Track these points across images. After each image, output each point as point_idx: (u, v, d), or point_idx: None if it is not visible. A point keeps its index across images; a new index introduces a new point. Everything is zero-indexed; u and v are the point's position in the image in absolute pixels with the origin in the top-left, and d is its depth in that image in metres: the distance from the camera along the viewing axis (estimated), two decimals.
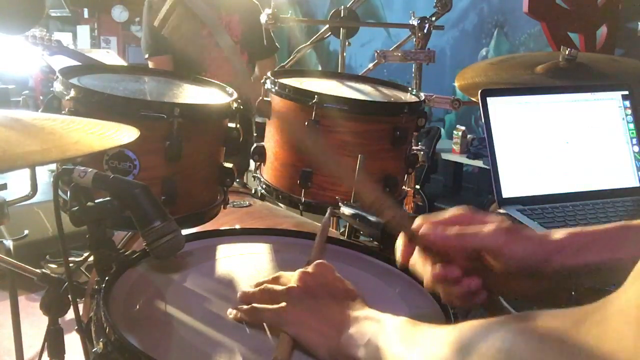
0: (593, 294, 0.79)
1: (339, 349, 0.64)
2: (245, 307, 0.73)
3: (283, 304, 0.69)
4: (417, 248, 0.70)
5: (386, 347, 0.59)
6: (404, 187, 1.35)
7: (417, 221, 0.69)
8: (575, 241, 0.65)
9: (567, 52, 1.50)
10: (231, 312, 0.75)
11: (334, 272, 0.74)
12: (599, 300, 0.41)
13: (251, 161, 1.34)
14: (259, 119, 1.35)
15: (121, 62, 3.56)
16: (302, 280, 0.71)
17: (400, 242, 0.71)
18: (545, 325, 0.43)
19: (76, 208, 0.80)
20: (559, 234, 0.66)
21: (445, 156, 4.14)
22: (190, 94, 1.21)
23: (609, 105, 1.28)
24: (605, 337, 0.38)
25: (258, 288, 0.75)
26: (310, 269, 0.73)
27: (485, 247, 0.64)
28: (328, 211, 1.10)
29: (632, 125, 1.27)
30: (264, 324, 0.71)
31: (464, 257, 0.67)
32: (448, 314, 0.79)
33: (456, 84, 1.59)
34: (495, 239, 0.64)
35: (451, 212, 0.69)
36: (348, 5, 1.99)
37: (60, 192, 0.98)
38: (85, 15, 6.93)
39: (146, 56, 2.45)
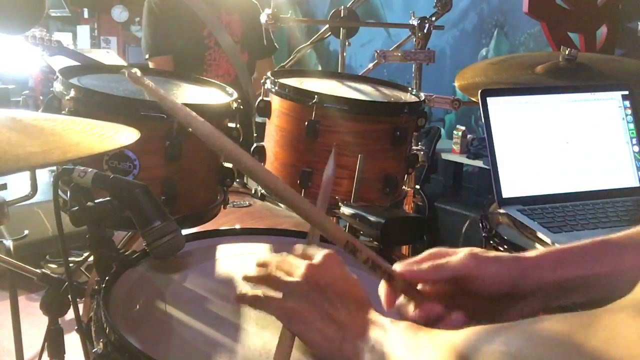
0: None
1: (341, 352, 0.63)
2: (250, 293, 0.71)
3: (288, 298, 0.67)
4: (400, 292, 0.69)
5: (391, 353, 0.58)
6: (404, 187, 1.35)
7: (395, 266, 0.68)
8: (551, 257, 0.65)
9: (567, 52, 1.50)
10: (239, 291, 0.72)
11: (343, 266, 0.70)
12: (605, 305, 0.40)
13: None
14: (259, 119, 1.35)
15: (121, 62, 3.56)
16: (308, 276, 0.68)
17: (382, 288, 0.69)
18: (552, 329, 0.43)
19: (76, 208, 0.80)
20: (534, 252, 0.66)
21: (445, 156, 4.14)
22: (190, 94, 1.21)
23: (609, 105, 1.28)
24: (613, 342, 0.38)
25: (263, 272, 0.72)
26: (318, 261, 0.69)
27: (458, 273, 0.64)
28: (332, 152, 1.03)
29: (632, 125, 1.27)
30: (262, 324, 0.71)
31: (444, 292, 0.66)
32: None
33: (456, 84, 1.59)
34: (466, 264, 0.64)
35: (424, 253, 0.69)
36: (348, 5, 1.99)
37: (60, 192, 0.98)
38: (85, 15, 6.93)
39: (147, 56, 2.45)
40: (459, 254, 0.65)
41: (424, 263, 0.66)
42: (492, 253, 0.66)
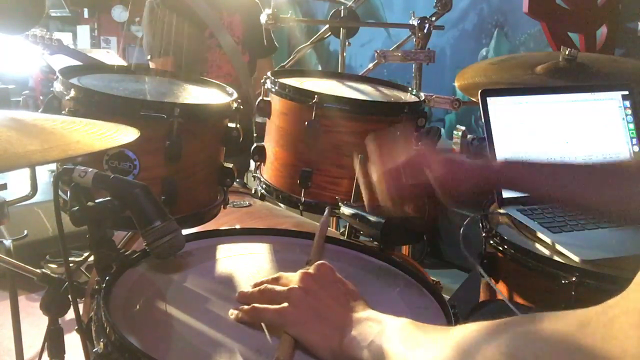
0: (593, 294, 0.80)
1: (341, 351, 0.64)
2: (246, 307, 0.73)
3: (285, 304, 0.69)
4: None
5: (389, 349, 0.59)
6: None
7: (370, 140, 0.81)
8: (510, 172, 0.74)
9: (567, 52, 1.50)
10: (232, 313, 0.74)
11: (335, 273, 0.74)
12: (602, 303, 0.41)
13: (251, 161, 1.34)
14: (259, 119, 1.35)
15: (121, 62, 3.56)
16: (303, 281, 0.71)
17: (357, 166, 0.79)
18: (550, 328, 0.43)
19: (76, 208, 0.80)
20: (496, 164, 0.77)
21: None
22: (190, 94, 1.21)
23: (609, 105, 1.28)
24: (610, 340, 0.38)
25: (258, 288, 0.75)
26: (311, 269, 0.73)
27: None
28: (326, 210, 1.10)
29: (632, 125, 1.27)
30: (265, 324, 0.71)
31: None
32: (449, 314, 0.79)
33: (456, 84, 1.59)
34: (442, 180, 0.74)
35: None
36: (348, 5, 1.99)
37: (60, 192, 0.98)
38: (85, 15, 6.93)
39: (148, 57, 2.46)
40: (436, 163, 0.75)
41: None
42: (465, 162, 0.77)
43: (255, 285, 0.77)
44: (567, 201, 0.73)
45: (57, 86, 1.03)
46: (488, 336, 0.48)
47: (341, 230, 1.33)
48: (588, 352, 0.39)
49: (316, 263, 0.74)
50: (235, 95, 1.16)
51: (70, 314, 0.88)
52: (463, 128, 4.49)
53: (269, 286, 0.74)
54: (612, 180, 0.72)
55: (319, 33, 2.10)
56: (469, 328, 0.51)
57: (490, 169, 0.74)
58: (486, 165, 0.75)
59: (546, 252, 1.05)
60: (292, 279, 0.73)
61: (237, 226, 1.18)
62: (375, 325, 0.63)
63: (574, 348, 0.40)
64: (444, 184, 0.73)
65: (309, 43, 2.14)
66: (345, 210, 1.13)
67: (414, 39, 1.98)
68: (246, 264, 0.94)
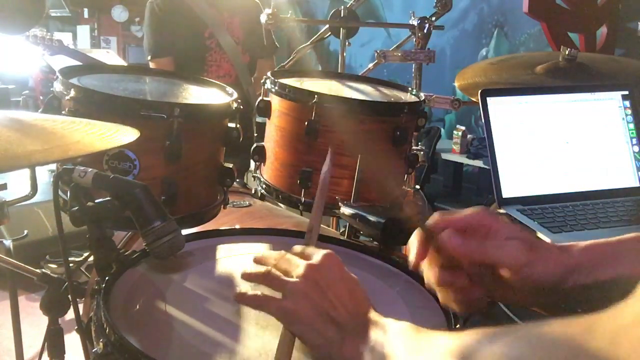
0: (593, 295, 0.78)
1: (341, 353, 0.63)
2: (250, 293, 0.70)
3: (288, 299, 0.67)
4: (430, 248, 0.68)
5: (392, 354, 0.58)
6: (404, 187, 1.35)
7: (434, 218, 0.68)
8: (591, 257, 0.64)
9: (567, 52, 1.50)
10: (238, 290, 0.72)
11: (342, 266, 0.70)
12: (610, 308, 0.40)
13: (251, 161, 1.34)
14: (259, 119, 1.35)
15: (121, 62, 3.56)
16: (307, 277, 0.67)
17: (415, 240, 0.69)
18: (553, 333, 0.43)
19: (76, 208, 0.80)
20: (576, 249, 0.65)
21: (445, 156, 4.14)
22: (190, 94, 1.21)
23: (609, 105, 1.28)
24: (618, 345, 0.37)
25: (263, 270, 0.72)
26: (317, 261, 0.69)
27: (507, 263, 0.63)
28: (328, 156, 1.03)
29: (632, 125, 1.27)
30: (263, 324, 0.71)
31: (475, 266, 0.66)
32: (448, 314, 0.79)
33: (456, 84, 1.59)
34: (517, 257, 0.63)
35: (469, 212, 0.68)
36: (348, 5, 1.99)
37: (60, 192, 0.98)
38: (85, 15, 6.93)
39: (148, 57, 2.46)
40: (512, 243, 0.64)
41: (469, 238, 0.65)
42: (542, 245, 0.65)
43: (257, 261, 0.74)
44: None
45: (57, 86, 1.04)
46: (491, 341, 0.47)
47: (341, 230, 1.33)
48: (591, 357, 0.38)
49: (324, 254, 0.70)
50: (235, 95, 1.16)
51: (70, 314, 0.88)
52: (463, 128, 4.50)
53: (274, 272, 0.70)
54: None
55: (319, 33, 2.10)
56: (471, 333, 0.50)
57: (569, 253, 0.64)
58: (565, 250, 0.65)
59: None
60: (297, 269, 0.69)
61: (237, 226, 1.18)
62: (377, 329, 0.62)
63: (579, 353, 0.39)
64: (514, 276, 0.63)
65: (309, 43, 2.14)
66: (345, 210, 1.13)
67: (414, 39, 1.98)
68: (246, 264, 0.94)
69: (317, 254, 0.70)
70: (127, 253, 0.88)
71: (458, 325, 0.77)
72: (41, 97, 5.81)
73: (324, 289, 0.67)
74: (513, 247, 0.63)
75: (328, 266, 0.69)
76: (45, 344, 0.95)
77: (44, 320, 0.94)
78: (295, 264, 0.70)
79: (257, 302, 0.70)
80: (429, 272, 0.67)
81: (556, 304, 0.66)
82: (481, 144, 3.89)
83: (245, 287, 0.81)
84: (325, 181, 0.93)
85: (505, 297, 0.66)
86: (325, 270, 0.68)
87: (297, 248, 0.75)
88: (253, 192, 1.49)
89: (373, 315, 0.66)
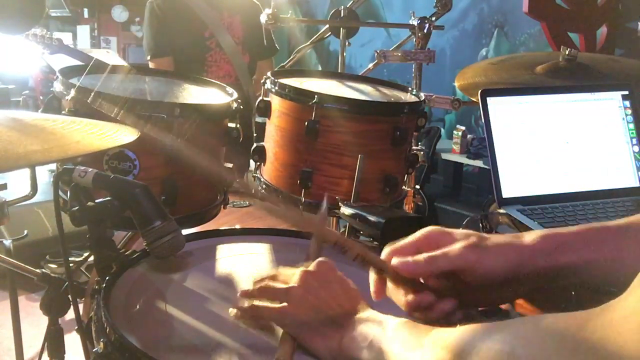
0: (593, 294, 0.79)
1: (340, 351, 0.64)
2: (246, 305, 0.72)
3: (284, 303, 0.68)
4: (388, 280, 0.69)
5: (389, 349, 0.59)
6: (404, 187, 1.35)
7: (385, 252, 0.68)
8: (549, 242, 0.64)
9: (567, 52, 1.50)
10: (232, 311, 0.74)
11: (335, 271, 0.73)
12: (602, 305, 0.40)
13: (251, 161, 1.34)
14: (259, 119, 1.35)
15: (121, 62, 3.56)
16: (303, 280, 0.70)
17: (371, 277, 0.70)
18: (547, 328, 0.43)
19: (76, 208, 0.80)
20: (530, 237, 0.65)
21: (445, 156, 4.14)
22: (190, 94, 1.21)
23: (609, 105, 1.28)
24: (609, 340, 0.38)
25: (258, 286, 0.74)
26: (312, 267, 0.72)
27: (457, 267, 0.64)
28: (324, 204, 1.06)
29: (632, 125, 1.27)
30: (264, 324, 0.71)
31: (436, 279, 0.66)
32: None
33: (456, 84, 1.59)
34: (465, 258, 0.63)
35: (417, 235, 0.68)
36: (348, 5, 1.99)
37: (60, 192, 0.98)
38: (85, 15, 6.93)
39: (148, 57, 2.46)
40: (455, 246, 0.65)
41: (419, 251, 0.66)
42: (490, 241, 0.65)
43: (256, 282, 0.76)
44: (614, 268, 0.62)
45: (57, 86, 1.04)
46: (487, 336, 0.48)
47: (341, 230, 1.33)
48: (586, 352, 0.39)
49: (317, 260, 0.73)
50: (235, 95, 1.16)
51: (70, 314, 0.88)
52: (463, 128, 4.50)
53: (270, 284, 0.73)
54: None
55: (319, 33, 2.10)
56: (468, 328, 0.51)
57: (523, 247, 0.64)
58: (516, 244, 0.64)
59: None
60: (293, 277, 0.72)
61: (237, 226, 1.18)
62: (374, 325, 0.63)
63: (573, 348, 0.40)
64: (471, 276, 0.63)
65: (309, 43, 2.14)
66: (345, 210, 1.13)
67: (414, 39, 1.98)
68: (246, 264, 0.94)
69: (312, 264, 0.73)
70: (127, 253, 0.88)
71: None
72: (41, 97, 5.81)
73: (319, 291, 0.69)
74: (458, 249, 0.64)
75: (322, 270, 0.71)
76: (45, 344, 0.95)
77: (44, 320, 0.94)
78: (289, 275, 0.73)
79: (256, 313, 0.71)
80: (399, 301, 0.67)
81: (529, 292, 0.66)
82: (481, 144, 3.89)
83: (245, 287, 0.82)
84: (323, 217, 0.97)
85: (477, 299, 0.67)
86: (319, 274, 0.71)
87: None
88: (253, 192, 1.49)
89: (370, 312, 0.67)
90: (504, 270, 0.63)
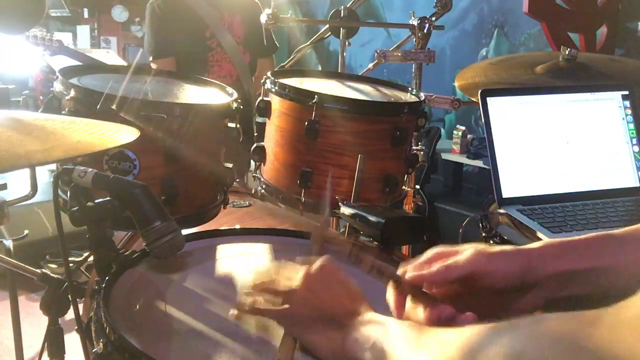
0: (593, 294, 0.79)
1: (343, 352, 0.64)
2: (247, 307, 0.72)
3: (286, 305, 0.68)
4: (408, 296, 0.69)
5: (392, 350, 0.58)
6: (404, 187, 1.35)
7: (400, 269, 0.70)
8: (554, 248, 0.67)
9: (567, 52, 1.50)
10: (233, 313, 0.74)
11: (338, 271, 0.72)
12: (613, 305, 0.40)
13: (251, 161, 1.34)
14: (259, 119, 1.35)
15: (121, 62, 3.56)
16: (306, 281, 0.69)
17: (390, 294, 0.71)
18: (554, 329, 0.43)
19: (76, 208, 0.80)
20: (537, 244, 0.67)
21: (445, 156, 4.14)
22: (190, 94, 1.21)
23: (609, 105, 1.28)
24: (617, 342, 0.37)
25: (260, 287, 0.74)
26: (314, 269, 0.71)
27: (468, 272, 0.65)
28: (327, 209, 1.07)
29: (632, 125, 1.27)
30: (265, 324, 0.71)
31: (451, 292, 0.68)
32: None
33: (456, 84, 1.59)
34: (476, 262, 0.65)
35: (428, 253, 0.70)
36: (348, 5, 1.99)
37: (60, 192, 0.98)
38: (85, 15, 6.92)
39: (150, 58, 2.46)
40: (465, 253, 0.67)
41: (432, 265, 0.68)
42: (497, 248, 0.68)
43: (256, 283, 0.76)
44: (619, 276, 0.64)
45: (57, 86, 1.04)
46: (492, 336, 0.47)
47: (341, 230, 1.33)
48: (592, 352, 0.38)
49: (319, 261, 0.73)
50: (235, 95, 1.16)
51: (70, 314, 0.88)
52: (463, 128, 4.49)
53: (271, 286, 0.72)
54: None
55: (319, 33, 2.10)
56: (473, 329, 0.50)
57: (531, 252, 0.66)
58: (524, 250, 0.67)
59: None
60: (294, 278, 0.71)
61: (237, 226, 1.18)
62: (378, 327, 0.63)
63: (578, 348, 0.40)
64: (483, 281, 0.65)
65: (309, 43, 2.14)
66: (345, 210, 1.13)
67: (414, 39, 1.98)
68: (246, 264, 0.94)
69: (315, 263, 0.73)
70: (127, 253, 0.88)
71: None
72: (41, 97, 5.80)
73: (321, 293, 0.69)
74: (469, 254, 0.66)
75: (325, 272, 0.71)
76: (45, 344, 0.95)
77: (44, 320, 0.94)
78: (291, 278, 0.72)
79: (258, 311, 0.71)
80: (419, 319, 0.68)
81: (544, 304, 0.67)
82: (481, 144, 3.89)
83: (245, 287, 0.81)
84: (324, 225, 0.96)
85: (494, 309, 0.68)
86: (322, 275, 0.71)
87: (297, 260, 0.77)
88: (253, 192, 1.49)
89: (372, 313, 0.66)
90: (514, 275, 0.65)
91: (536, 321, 0.45)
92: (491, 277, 0.65)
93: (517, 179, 1.19)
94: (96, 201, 0.81)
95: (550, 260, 0.65)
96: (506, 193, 1.18)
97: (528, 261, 0.65)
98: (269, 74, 1.28)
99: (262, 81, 1.28)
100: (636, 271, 0.51)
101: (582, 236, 0.68)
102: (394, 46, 2.16)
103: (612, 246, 0.66)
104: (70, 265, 0.86)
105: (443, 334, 0.55)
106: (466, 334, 0.50)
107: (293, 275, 0.72)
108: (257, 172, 1.33)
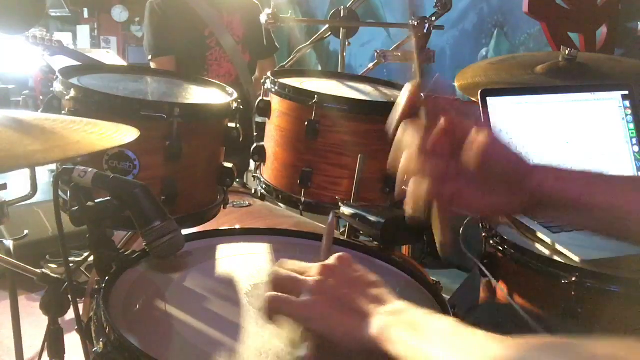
0: (593, 294, 0.79)
1: (366, 343, 0.61)
2: (268, 294, 0.67)
3: (306, 297, 0.65)
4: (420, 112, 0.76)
5: (427, 347, 0.56)
6: (404, 187, 1.35)
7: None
8: (556, 171, 0.74)
9: (567, 52, 1.50)
10: (250, 301, 0.70)
11: (354, 263, 0.69)
12: None
13: (251, 161, 1.34)
14: (259, 119, 1.35)
15: (121, 62, 3.56)
16: (324, 273, 0.67)
17: (406, 91, 0.76)
18: (600, 352, 0.43)
19: (76, 208, 0.80)
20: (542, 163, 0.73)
21: None
22: (190, 94, 1.21)
23: (609, 105, 1.28)
24: None
25: (278, 276, 0.69)
26: (330, 261, 0.69)
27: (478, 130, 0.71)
28: (331, 215, 1.07)
29: (632, 125, 1.27)
30: (269, 320, 0.68)
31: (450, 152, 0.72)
32: (448, 314, 0.79)
33: (456, 84, 1.59)
34: (488, 131, 0.71)
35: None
36: (348, 5, 1.99)
37: (60, 192, 0.98)
38: (85, 15, 6.92)
39: (149, 57, 2.46)
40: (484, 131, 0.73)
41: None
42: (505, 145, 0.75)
43: (274, 274, 0.70)
44: (606, 216, 0.70)
45: (57, 86, 1.04)
46: (536, 354, 0.46)
47: (341, 230, 1.33)
48: None
49: (335, 254, 0.70)
50: (235, 95, 1.16)
51: (70, 314, 0.88)
52: None
53: (291, 275, 0.68)
54: None
55: (319, 33, 2.10)
56: (517, 343, 0.49)
57: (526, 163, 0.73)
58: (523, 159, 0.74)
59: (546, 252, 1.05)
60: (311, 270, 0.68)
61: (237, 226, 1.18)
62: (406, 317, 0.60)
63: None
64: (485, 163, 0.71)
65: (309, 43, 2.14)
66: (345, 210, 1.13)
67: (414, 39, 1.98)
68: (246, 264, 0.94)
69: (331, 257, 0.70)
70: (127, 253, 0.88)
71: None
72: (41, 97, 5.80)
73: (339, 284, 0.66)
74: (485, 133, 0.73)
75: (341, 263, 0.69)
76: (45, 344, 0.95)
77: (44, 320, 0.94)
78: (307, 270, 0.69)
79: (278, 304, 0.66)
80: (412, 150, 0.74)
81: (527, 210, 0.74)
82: None
83: (245, 287, 0.81)
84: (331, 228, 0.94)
85: (475, 200, 0.72)
86: (339, 267, 0.68)
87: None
88: (253, 192, 1.49)
89: (401, 303, 0.64)
90: (512, 170, 0.72)
91: (580, 344, 0.44)
92: (491, 159, 0.71)
93: None
94: (96, 201, 0.81)
95: (550, 179, 0.73)
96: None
97: (529, 168, 0.72)
98: (269, 74, 1.28)
99: (262, 81, 1.28)
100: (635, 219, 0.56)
101: (584, 171, 0.76)
102: (394, 46, 2.16)
103: (607, 188, 0.73)
104: (70, 265, 0.86)
105: (486, 342, 0.52)
106: (510, 349, 0.49)
107: (309, 267, 0.69)
108: (257, 172, 1.33)
